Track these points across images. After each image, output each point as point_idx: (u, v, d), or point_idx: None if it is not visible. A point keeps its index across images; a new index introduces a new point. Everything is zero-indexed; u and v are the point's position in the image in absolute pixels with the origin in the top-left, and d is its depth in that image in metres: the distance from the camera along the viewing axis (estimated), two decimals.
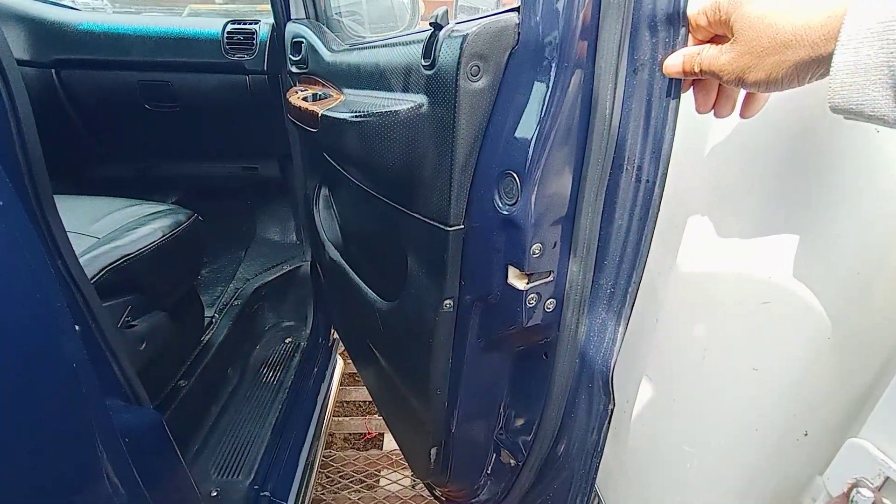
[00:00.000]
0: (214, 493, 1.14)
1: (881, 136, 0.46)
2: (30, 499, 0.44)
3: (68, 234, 0.60)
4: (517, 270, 0.63)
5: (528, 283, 0.63)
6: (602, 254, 0.61)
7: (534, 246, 0.60)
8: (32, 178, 0.56)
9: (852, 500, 0.40)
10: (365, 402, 2.25)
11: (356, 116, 0.79)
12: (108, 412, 0.53)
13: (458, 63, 0.57)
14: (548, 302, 0.66)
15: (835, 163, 0.50)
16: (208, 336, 1.38)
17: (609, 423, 0.70)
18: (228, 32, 1.50)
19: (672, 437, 0.71)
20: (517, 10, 0.57)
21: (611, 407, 0.69)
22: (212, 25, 1.52)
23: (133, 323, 0.87)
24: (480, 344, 0.78)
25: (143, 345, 0.88)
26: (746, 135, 0.58)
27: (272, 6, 1.33)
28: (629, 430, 0.81)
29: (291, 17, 1.26)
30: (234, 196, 2.02)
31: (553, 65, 0.54)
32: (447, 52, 0.59)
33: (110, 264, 0.84)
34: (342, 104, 0.89)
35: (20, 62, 1.25)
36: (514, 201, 0.59)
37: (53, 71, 1.49)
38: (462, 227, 0.68)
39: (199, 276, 1.25)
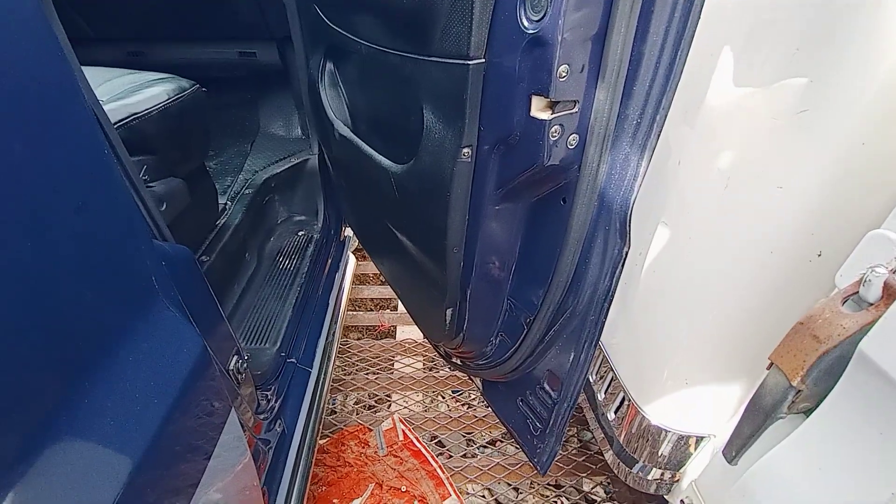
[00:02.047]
0: (246, 356, 1.24)
1: None
2: (100, 309, 0.48)
3: None
4: (542, 99, 0.61)
5: (552, 113, 0.61)
6: (632, 78, 0.58)
7: (560, 67, 0.57)
8: None
9: (864, 281, 0.42)
10: (377, 299, 2.36)
11: None
12: (149, 237, 0.55)
13: None
14: (570, 137, 0.64)
15: None
16: (223, 220, 1.41)
17: (622, 267, 0.72)
18: None
19: (686, 277, 0.74)
20: None
21: (626, 250, 0.70)
22: None
23: (151, 184, 0.88)
24: (499, 194, 0.78)
25: (164, 206, 0.90)
26: None
27: None
28: (640, 280, 0.84)
29: None
30: (235, 88, 1.94)
31: None
32: None
33: (121, 121, 0.83)
34: None
35: None
36: (541, 15, 0.55)
37: None
38: (483, 60, 0.65)
39: (208, 151, 1.23)
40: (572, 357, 0.86)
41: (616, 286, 0.73)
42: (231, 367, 0.81)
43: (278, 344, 1.31)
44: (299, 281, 1.56)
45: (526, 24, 0.57)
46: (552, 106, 0.61)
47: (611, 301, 0.76)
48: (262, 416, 1.00)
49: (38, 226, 0.43)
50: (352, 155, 1.19)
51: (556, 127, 0.62)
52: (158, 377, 0.51)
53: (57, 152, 0.47)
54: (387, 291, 2.36)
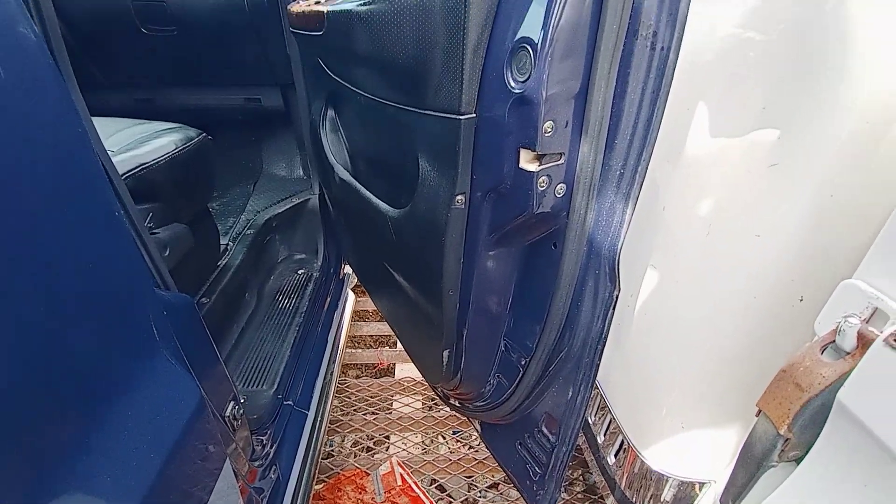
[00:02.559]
0: (242, 400, 1.22)
1: (886, 16, 0.46)
2: (98, 356, 0.49)
3: None
4: (529, 152, 0.64)
5: (539, 165, 0.64)
6: (613, 132, 0.61)
7: (546, 124, 0.60)
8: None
9: (839, 331, 0.44)
10: (376, 336, 2.35)
11: (363, 6, 0.78)
12: (151, 285, 0.56)
13: None
14: (558, 187, 0.67)
15: (840, 39, 0.50)
16: (225, 260, 1.43)
17: (614, 310, 0.73)
18: None
19: (674, 320, 0.75)
20: None
21: (616, 293, 0.72)
22: None
23: (155, 230, 0.91)
24: (492, 239, 0.81)
25: (167, 251, 0.92)
26: (762, 13, 0.57)
27: None
28: (632, 322, 0.85)
29: None
30: (239, 130, 2.01)
31: None
32: None
33: (130, 171, 0.86)
34: (346, 1, 0.87)
35: None
36: (526, 77, 0.59)
37: None
38: (474, 115, 0.69)
39: (212, 195, 1.27)
40: (569, 399, 0.86)
41: (608, 328, 0.74)
42: (227, 414, 0.81)
43: (275, 386, 1.30)
44: (298, 320, 1.57)
45: (512, 84, 0.61)
46: (539, 158, 0.64)
47: (604, 343, 0.77)
48: (256, 463, 0.98)
49: (46, 277, 0.45)
50: (351, 197, 1.23)
51: (543, 178, 0.65)
52: (156, 429, 0.51)
53: (67, 205, 0.49)
54: (385, 328, 2.35)
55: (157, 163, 0.93)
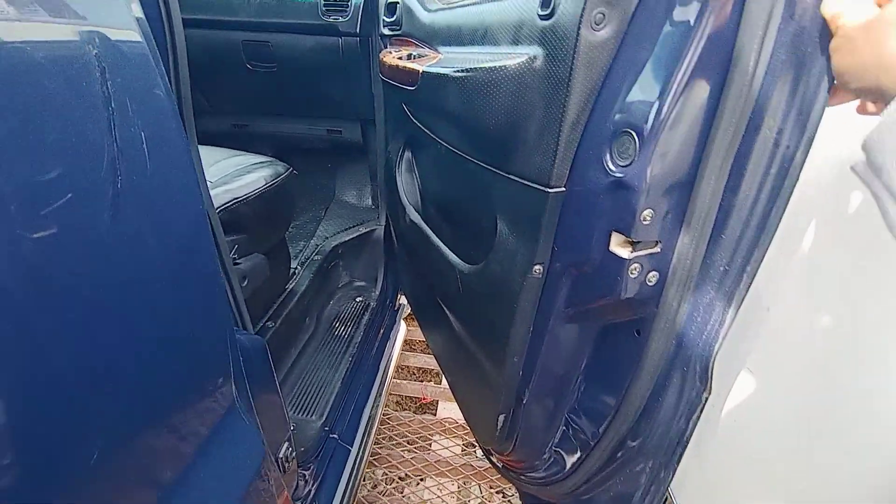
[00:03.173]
0: (292, 428, 1.24)
1: None
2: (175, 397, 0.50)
3: None
4: (622, 237, 0.60)
5: (632, 252, 0.60)
6: (720, 227, 0.56)
7: (644, 212, 0.56)
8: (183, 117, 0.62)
9: None
10: (421, 368, 2.32)
11: (460, 72, 0.79)
12: (233, 330, 0.58)
13: (582, 10, 0.54)
14: (650, 275, 0.62)
15: None
16: (292, 285, 1.48)
17: (700, 412, 0.66)
18: None
19: (769, 438, 0.66)
20: None
21: (705, 395, 0.65)
22: None
23: (238, 261, 0.95)
24: (567, 313, 0.77)
25: (245, 282, 0.96)
26: None
27: None
28: (717, 427, 0.76)
29: None
30: (318, 157, 2.13)
31: (690, 8, 0.49)
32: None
33: (223, 205, 0.92)
34: (442, 62, 0.89)
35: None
36: (628, 162, 0.56)
37: None
38: (563, 189, 0.66)
39: (290, 226, 1.33)
40: (635, 499, 0.78)
41: (692, 432, 0.67)
42: (281, 455, 0.81)
43: (324, 417, 1.31)
44: (352, 350, 1.58)
45: (612, 167, 0.58)
46: (633, 244, 0.60)
47: (685, 446, 0.69)
48: (297, 503, 0.98)
49: (144, 320, 0.46)
50: (419, 239, 1.23)
51: (635, 265, 0.61)
52: (226, 483, 0.52)
53: (178, 244, 0.51)
54: (431, 362, 2.32)
55: (247, 197, 0.99)
